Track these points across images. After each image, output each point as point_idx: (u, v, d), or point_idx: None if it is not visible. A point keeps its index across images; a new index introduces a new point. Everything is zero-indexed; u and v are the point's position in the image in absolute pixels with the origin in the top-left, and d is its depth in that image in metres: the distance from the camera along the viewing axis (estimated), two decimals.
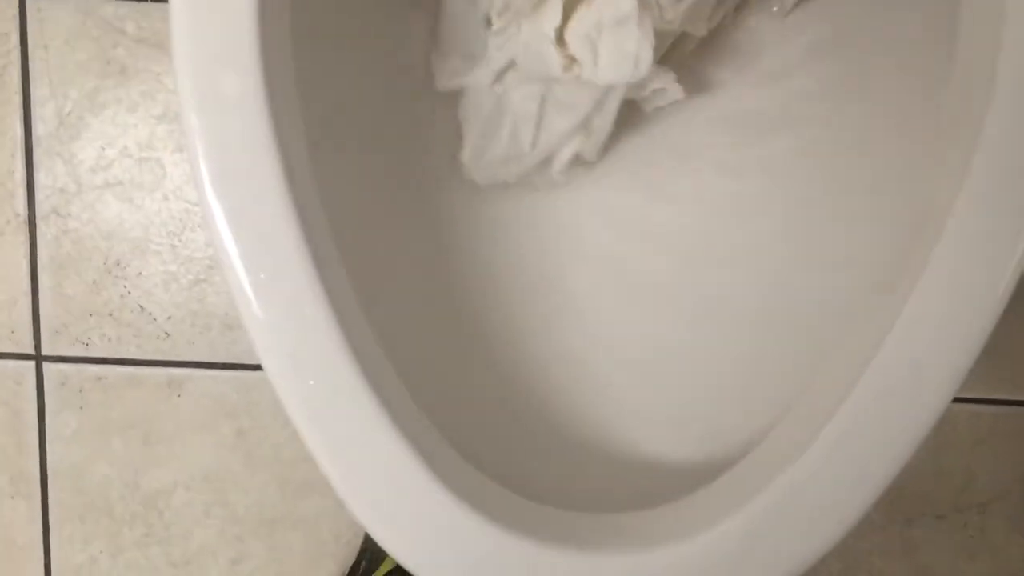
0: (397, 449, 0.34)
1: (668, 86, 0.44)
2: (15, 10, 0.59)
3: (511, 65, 0.44)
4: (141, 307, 0.62)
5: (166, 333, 0.62)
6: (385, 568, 0.60)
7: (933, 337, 0.34)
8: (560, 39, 0.42)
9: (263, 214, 0.33)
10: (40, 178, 0.61)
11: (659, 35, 0.41)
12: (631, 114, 0.48)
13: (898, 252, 0.36)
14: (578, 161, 0.47)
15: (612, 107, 0.44)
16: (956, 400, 0.63)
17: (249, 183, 0.33)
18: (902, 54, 0.45)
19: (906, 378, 0.34)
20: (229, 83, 0.33)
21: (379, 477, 0.34)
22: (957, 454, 0.65)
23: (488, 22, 0.43)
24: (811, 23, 0.47)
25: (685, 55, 0.47)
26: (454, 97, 0.45)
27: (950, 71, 0.36)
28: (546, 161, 0.46)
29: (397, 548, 0.34)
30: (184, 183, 0.61)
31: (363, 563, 0.62)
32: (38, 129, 0.60)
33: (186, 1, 0.33)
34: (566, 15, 0.41)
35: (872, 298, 0.37)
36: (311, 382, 0.34)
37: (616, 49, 0.41)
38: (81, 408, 0.63)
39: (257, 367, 0.65)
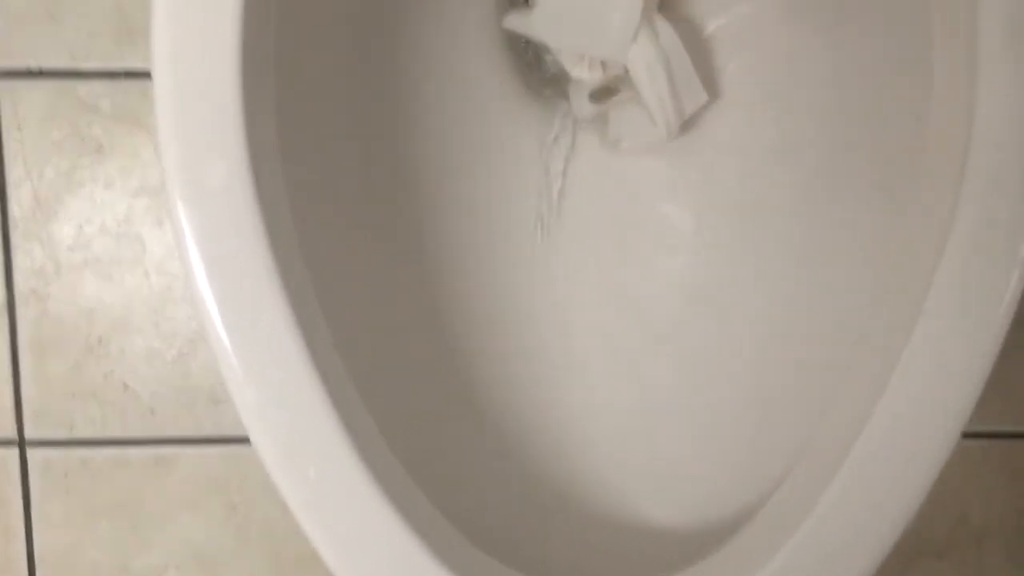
0: (398, 534, 0.33)
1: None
2: None
3: None
4: (125, 385, 0.61)
5: (151, 410, 0.61)
6: None
7: (930, 387, 0.34)
8: None
9: (254, 300, 0.33)
10: (18, 261, 0.60)
11: None
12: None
13: (888, 303, 0.36)
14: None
15: None
16: (968, 436, 0.63)
17: (239, 269, 0.33)
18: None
19: (905, 434, 0.34)
20: (215, 170, 0.32)
21: (380, 561, 0.33)
22: (950, 488, 0.65)
23: None
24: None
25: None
26: (442, 172, 0.45)
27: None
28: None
29: None
30: (165, 257, 0.60)
31: None
32: (14, 211, 0.59)
33: (172, 90, 0.32)
34: None
35: (865, 351, 0.37)
36: (311, 473, 0.33)
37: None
38: (67, 493, 0.62)
39: (245, 440, 0.64)
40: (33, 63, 0.58)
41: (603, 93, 0.47)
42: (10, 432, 0.61)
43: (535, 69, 0.48)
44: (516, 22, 0.45)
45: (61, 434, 0.61)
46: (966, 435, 0.63)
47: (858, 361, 0.38)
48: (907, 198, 0.38)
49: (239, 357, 0.33)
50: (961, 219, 0.34)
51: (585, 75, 0.44)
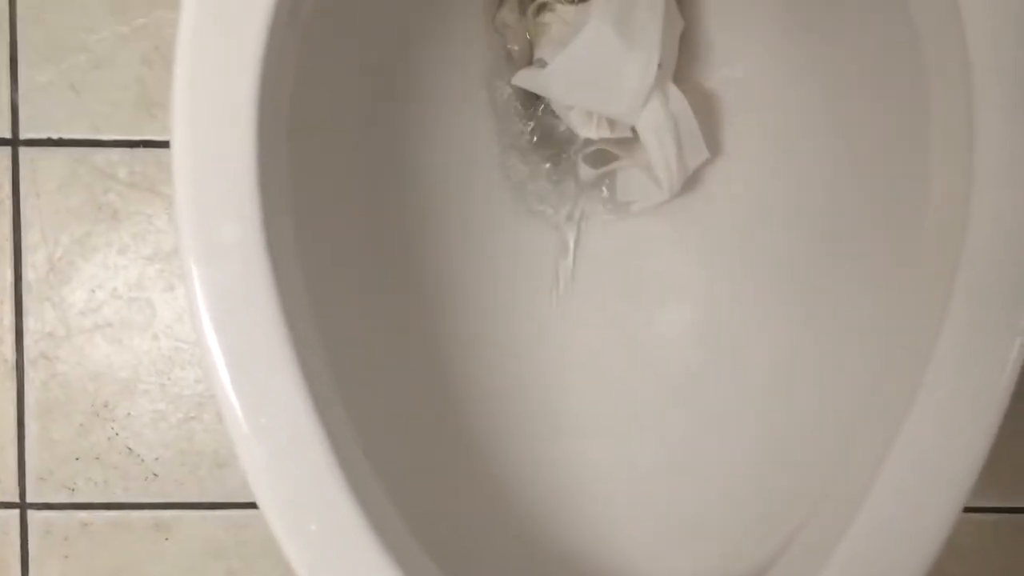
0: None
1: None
2: (8, 160, 0.60)
3: None
4: (129, 448, 0.61)
5: (154, 474, 0.61)
6: None
7: (933, 456, 0.34)
8: None
9: (262, 358, 0.34)
10: (29, 323, 0.61)
11: None
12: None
13: (891, 370, 0.37)
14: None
15: None
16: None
17: (248, 328, 0.34)
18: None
19: (910, 501, 0.34)
20: (229, 231, 0.33)
21: None
22: (961, 563, 0.64)
23: None
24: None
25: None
26: (447, 236, 0.47)
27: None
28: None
29: None
30: (174, 321, 0.61)
31: None
32: (28, 275, 0.61)
33: (188, 154, 0.34)
34: None
35: (871, 414, 0.37)
36: (312, 527, 0.33)
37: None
38: (66, 557, 0.61)
39: (247, 505, 0.64)
40: (54, 133, 0.60)
41: (602, 157, 0.48)
42: (12, 495, 0.61)
43: (538, 134, 0.50)
44: (527, 79, 0.46)
45: (63, 497, 0.61)
46: (977, 510, 0.63)
47: (863, 425, 0.38)
48: (907, 266, 0.39)
49: (246, 414, 0.33)
50: (960, 290, 0.34)
51: (593, 133, 0.46)
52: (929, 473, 0.34)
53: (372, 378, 0.41)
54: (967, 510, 0.62)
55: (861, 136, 0.45)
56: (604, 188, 0.50)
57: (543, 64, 0.46)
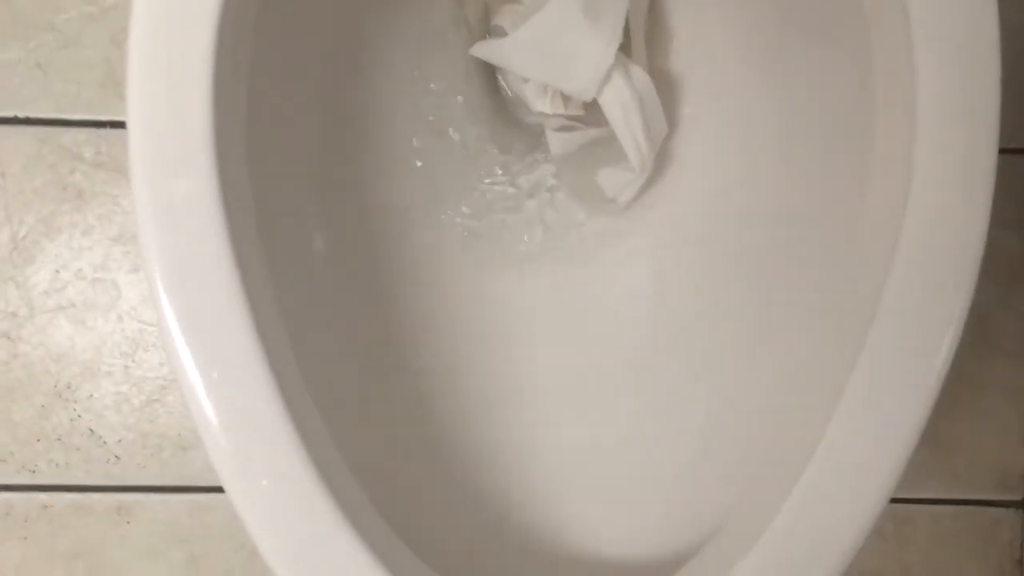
0: (353, 551, 0.33)
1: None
2: None
3: None
4: (91, 430, 0.61)
5: (116, 457, 0.61)
6: None
7: (865, 440, 0.35)
8: None
9: (216, 314, 0.34)
10: None
11: None
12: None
13: (829, 361, 0.38)
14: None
15: None
16: (915, 501, 0.64)
17: (202, 284, 0.34)
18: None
19: (842, 482, 0.34)
20: (183, 187, 0.34)
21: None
22: (920, 554, 0.65)
23: None
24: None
25: None
26: (407, 200, 0.47)
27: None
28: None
29: None
30: (139, 303, 0.61)
31: None
32: None
33: (142, 113, 0.34)
34: None
35: (807, 402, 0.38)
36: (264, 482, 0.33)
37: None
38: (25, 539, 0.61)
39: (210, 489, 0.63)
40: (20, 111, 0.60)
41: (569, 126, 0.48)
42: None
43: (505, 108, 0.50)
44: (485, 51, 0.47)
45: (23, 479, 0.60)
46: (935, 501, 0.64)
47: (799, 412, 0.39)
48: (850, 257, 0.40)
49: (199, 368, 0.33)
50: (894, 280, 0.35)
51: (547, 108, 0.46)
52: (856, 463, 0.35)
53: (324, 334, 0.41)
54: (925, 502, 0.63)
55: (809, 130, 0.46)
56: (581, 186, 0.50)
57: (501, 31, 0.47)
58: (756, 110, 0.48)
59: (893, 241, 0.35)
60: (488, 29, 0.48)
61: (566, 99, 0.46)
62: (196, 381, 0.34)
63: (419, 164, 0.48)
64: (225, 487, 0.34)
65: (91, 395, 0.61)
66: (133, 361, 0.61)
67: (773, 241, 0.47)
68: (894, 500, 0.63)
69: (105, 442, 0.61)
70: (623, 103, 0.45)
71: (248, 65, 0.35)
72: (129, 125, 0.34)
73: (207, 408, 0.34)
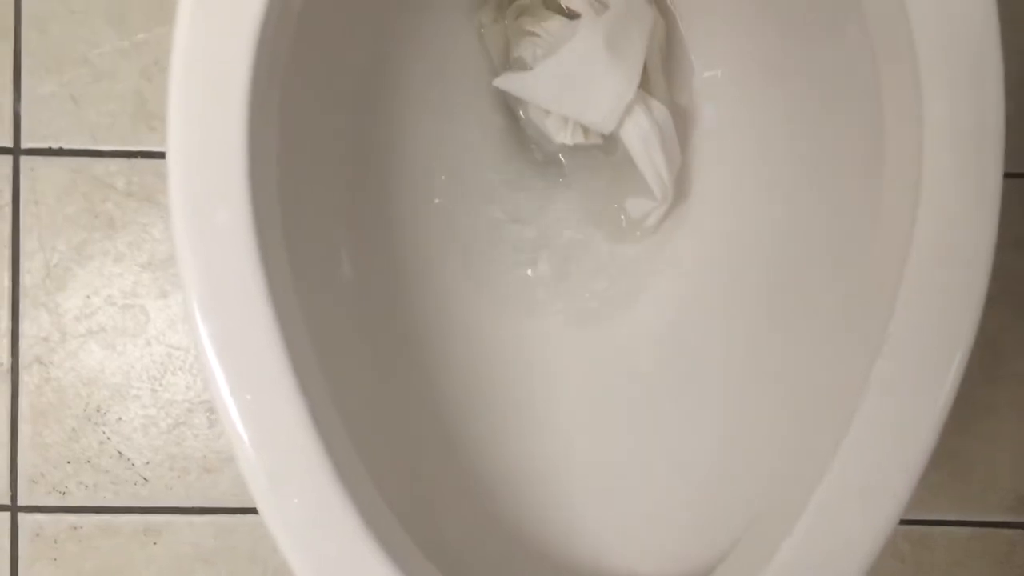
0: (383, 569, 0.34)
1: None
2: (8, 169, 0.62)
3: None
4: (119, 453, 0.62)
5: (144, 479, 0.62)
6: None
7: (875, 462, 0.36)
8: None
9: (250, 339, 0.35)
10: (25, 328, 0.62)
11: None
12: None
13: (841, 382, 0.39)
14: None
15: None
16: (931, 523, 0.64)
17: (236, 310, 0.35)
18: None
19: (853, 503, 0.35)
20: (220, 218, 0.35)
21: None
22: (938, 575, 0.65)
23: None
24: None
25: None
26: (432, 230, 0.48)
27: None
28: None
29: None
30: (167, 327, 0.62)
31: None
32: (25, 280, 0.62)
33: (182, 147, 0.35)
34: None
35: (820, 423, 0.39)
36: (295, 501, 0.35)
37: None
38: (55, 560, 0.62)
39: (235, 511, 0.65)
40: (54, 143, 0.62)
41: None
42: (3, 497, 0.62)
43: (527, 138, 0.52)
44: (508, 83, 0.48)
45: (53, 500, 0.62)
46: (951, 523, 0.64)
47: (812, 433, 0.40)
48: (860, 277, 0.41)
49: (232, 391, 0.35)
50: (903, 302, 0.36)
51: (568, 139, 0.48)
52: (867, 485, 0.36)
53: (351, 359, 0.42)
54: (942, 523, 0.64)
55: (821, 154, 0.47)
56: (605, 214, 0.52)
57: (522, 63, 0.48)
58: (770, 138, 0.49)
59: (902, 264, 0.36)
60: (509, 61, 0.50)
61: (586, 130, 0.48)
62: (230, 403, 0.35)
63: (437, 200, 0.49)
64: (258, 506, 0.35)
65: (120, 418, 0.62)
66: (161, 385, 0.62)
67: (787, 267, 0.48)
68: (910, 521, 0.64)
69: (133, 464, 0.62)
70: (643, 135, 0.46)
71: (279, 103, 0.36)
72: (169, 159, 0.35)
73: (241, 429, 0.35)
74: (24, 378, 0.62)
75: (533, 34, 0.48)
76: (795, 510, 0.36)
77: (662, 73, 0.49)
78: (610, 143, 0.49)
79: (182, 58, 0.35)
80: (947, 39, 0.36)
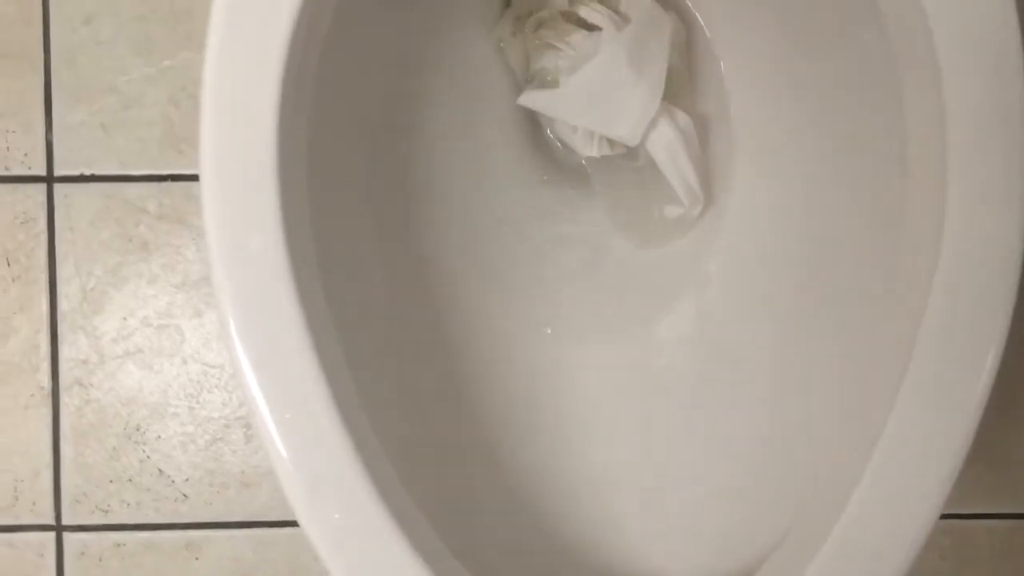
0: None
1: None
2: (43, 196, 0.64)
3: None
4: (160, 470, 0.64)
5: (184, 495, 0.64)
6: None
7: (912, 462, 0.36)
8: None
9: (286, 359, 0.36)
10: (64, 351, 0.63)
11: None
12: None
13: (875, 381, 0.39)
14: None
15: None
16: (970, 516, 0.64)
17: (273, 331, 0.36)
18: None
19: (892, 502, 0.36)
20: (255, 242, 0.36)
21: None
22: (979, 570, 0.65)
23: None
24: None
25: None
26: (462, 243, 0.49)
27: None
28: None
29: None
30: (202, 346, 0.64)
31: None
32: (63, 305, 0.63)
33: (215, 176, 0.36)
34: None
35: (856, 422, 0.39)
36: (336, 516, 0.35)
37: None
38: None
39: (274, 524, 0.66)
40: (86, 169, 0.64)
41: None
42: (48, 517, 0.63)
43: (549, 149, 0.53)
44: (534, 100, 0.49)
45: (97, 519, 0.63)
46: (993, 516, 0.64)
47: (848, 432, 0.40)
48: (891, 278, 0.41)
49: (272, 410, 0.35)
50: (935, 303, 0.36)
51: (595, 152, 0.48)
52: (907, 480, 0.36)
53: (388, 376, 0.43)
54: (981, 516, 0.64)
55: (846, 155, 0.47)
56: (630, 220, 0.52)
57: (544, 74, 0.49)
58: (794, 140, 0.50)
59: (934, 262, 0.36)
60: (529, 73, 0.51)
61: (612, 142, 0.48)
62: (270, 422, 0.36)
63: (465, 217, 0.50)
64: (299, 521, 0.36)
65: (159, 436, 0.64)
66: (198, 402, 0.64)
67: (817, 269, 0.48)
68: (950, 516, 0.64)
69: (173, 481, 0.64)
70: (668, 146, 0.47)
71: (307, 129, 0.37)
72: (203, 188, 0.36)
73: (281, 448, 0.36)
74: (65, 400, 0.64)
75: (554, 47, 0.48)
76: (835, 510, 0.36)
77: (686, 78, 0.50)
78: (633, 151, 0.49)
79: (212, 88, 0.36)
80: (966, 37, 0.37)
